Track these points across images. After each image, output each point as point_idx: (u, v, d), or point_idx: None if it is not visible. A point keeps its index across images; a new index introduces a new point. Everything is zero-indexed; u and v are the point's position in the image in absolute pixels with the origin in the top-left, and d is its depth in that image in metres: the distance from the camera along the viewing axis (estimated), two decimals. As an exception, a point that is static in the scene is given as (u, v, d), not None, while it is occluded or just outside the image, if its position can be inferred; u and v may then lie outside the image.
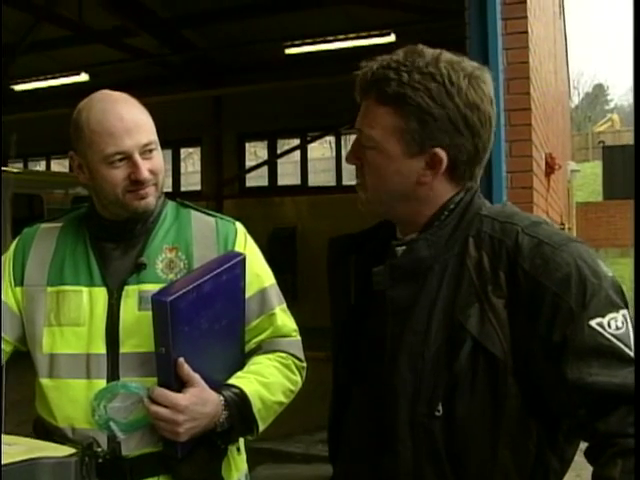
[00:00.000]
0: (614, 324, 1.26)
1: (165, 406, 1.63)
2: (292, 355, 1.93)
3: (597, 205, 23.98)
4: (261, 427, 1.80)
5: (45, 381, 1.81)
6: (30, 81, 12.80)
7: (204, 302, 1.68)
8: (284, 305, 1.97)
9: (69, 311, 1.80)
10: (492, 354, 1.31)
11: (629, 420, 1.22)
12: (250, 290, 1.87)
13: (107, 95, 1.81)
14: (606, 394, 1.23)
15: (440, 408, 1.34)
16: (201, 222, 1.91)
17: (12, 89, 13.06)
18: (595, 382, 1.24)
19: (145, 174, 1.75)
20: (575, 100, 47.11)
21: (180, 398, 1.63)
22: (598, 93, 56.89)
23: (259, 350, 1.91)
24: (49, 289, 1.83)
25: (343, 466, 1.57)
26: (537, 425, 1.35)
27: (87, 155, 1.76)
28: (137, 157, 1.74)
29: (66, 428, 1.77)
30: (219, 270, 1.73)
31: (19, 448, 1.45)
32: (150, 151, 1.77)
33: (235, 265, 1.78)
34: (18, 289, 1.87)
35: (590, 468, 1.28)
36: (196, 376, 1.67)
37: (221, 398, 1.71)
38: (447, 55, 1.40)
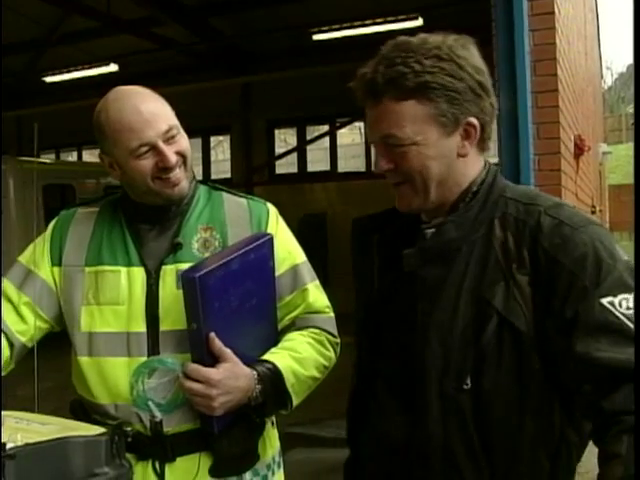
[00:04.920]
0: (625, 304, 1.29)
1: (199, 381, 1.67)
2: (325, 331, 1.96)
3: (631, 187, 23.57)
4: (295, 401, 1.83)
5: (84, 359, 1.86)
6: (60, 73, 12.94)
7: (233, 279, 1.72)
8: (316, 281, 2.00)
9: (108, 290, 1.85)
10: (517, 329, 1.36)
11: (633, 398, 1.23)
12: (282, 267, 1.91)
13: (120, 92, 1.84)
14: (611, 370, 1.26)
15: (468, 381, 1.39)
16: (233, 203, 1.95)
17: (43, 81, 13.21)
18: (601, 357, 1.27)
19: (172, 159, 1.78)
20: (608, 81, 46.43)
21: (213, 373, 1.68)
22: (633, 73, 55.87)
23: (293, 326, 1.94)
24: (87, 269, 1.88)
25: (372, 442, 1.59)
26: (558, 399, 1.39)
27: (115, 153, 1.81)
28: (161, 144, 1.78)
29: (108, 405, 1.82)
30: (247, 249, 1.76)
31: (52, 427, 1.49)
32: (173, 136, 1.80)
33: (263, 244, 1.81)
34: (56, 269, 1.92)
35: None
36: (228, 351, 1.70)
37: (254, 372, 1.74)
38: (431, 36, 1.45)
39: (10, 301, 1.90)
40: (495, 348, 1.38)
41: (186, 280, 1.67)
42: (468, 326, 1.40)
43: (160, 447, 1.79)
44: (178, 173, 1.82)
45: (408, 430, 1.47)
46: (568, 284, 1.33)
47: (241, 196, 1.99)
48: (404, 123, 1.42)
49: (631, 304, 1.29)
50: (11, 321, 1.88)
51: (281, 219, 2.00)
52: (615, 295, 1.30)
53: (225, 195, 1.98)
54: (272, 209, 1.99)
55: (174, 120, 1.83)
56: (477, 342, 1.39)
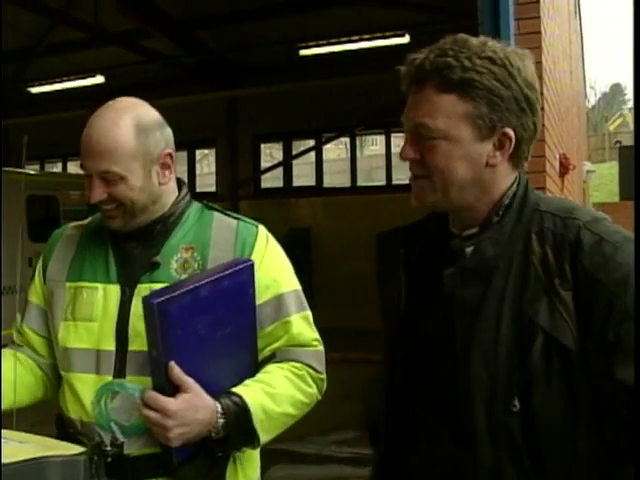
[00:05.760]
0: None
1: (156, 410, 1.60)
2: (308, 365, 1.85)
3: (614, 206, 23.68)
4: (263, 438, 1.74)
5: (62, 373, 1.85)
6: (47, 83, 12.90)
7: (201, 307, 1.64)
8: (305, 313, 1.91)
9: (84, 307, 1.82)
10: (565, 346, 1.33)
11: None
12: (265, 295, 1.83)
13: (106, 108, 1.80)
14: None
15: (517, 403, 1.35)
16: (222, 224, 1.88)
17: (29, 91, 13.16)
18: None
19: (94, 197, 1.76)
20: (592, 100, 46.89)
21: (170, 403, 1.60)
22: (616, 92, 56.53)
23: (273, 358, 1.85)
24: (68, 284, 1.86)
25: (418, 466, 1.54)
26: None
27: None
28: (94, 179, 1.75)
29: (76, 421, 1.79)
30: (219, 275, 1.69)
31: (31, 446, 1.46)
32: (112, 180, 1.75)
33: (240, 271, 1.73)
34: (45, 287, 1.93)
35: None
36: (189, 381, 1.62)
37: (217, 405, 1.66)
38: (491, 40, 1.43)
39: (19, 332, 1.97)
40: (543, 368, 1.34)
41: (145, 305, 1.61)
42: (512, 346, 1.36)
43: (120, 468, 1.71)
44: (111, 210, 1.79)
45: (457, 453, 1.42)
46: (608, 305, 1.30)
47: (233, 217, 1.91)
48: (439, 115, 1.38)
49: None
50: (31, 348, 1.96)
51: (272, 243, 1.91)
52: None
53: (216, 215, 1.90)
54: (262, 233, 1.89)
55: (122, 166, 1.75)
56: (523, 363, 1.35)
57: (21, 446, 1.46)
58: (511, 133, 1.39)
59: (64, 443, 1.58)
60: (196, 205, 1.93)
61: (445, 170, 1.41)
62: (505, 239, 1.41)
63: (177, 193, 1.90)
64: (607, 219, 1.43)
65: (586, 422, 1.35)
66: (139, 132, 1.77)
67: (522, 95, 1.39)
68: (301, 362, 1.85)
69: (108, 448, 1.62)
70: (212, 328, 1.68)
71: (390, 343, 1.61)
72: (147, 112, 1.83)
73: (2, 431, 1.57)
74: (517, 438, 1.35)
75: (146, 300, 1.61)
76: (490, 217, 1.44)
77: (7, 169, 9.60)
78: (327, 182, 15.16)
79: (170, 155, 1.84)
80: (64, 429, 1.83)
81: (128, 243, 1.85)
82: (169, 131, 1.86)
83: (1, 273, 7.87)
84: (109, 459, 1.60)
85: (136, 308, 1.76)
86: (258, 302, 1.80)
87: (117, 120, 1.75)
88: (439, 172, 1.41)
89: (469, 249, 1.44)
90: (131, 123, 1.76)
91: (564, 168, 5.75)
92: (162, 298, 1.58)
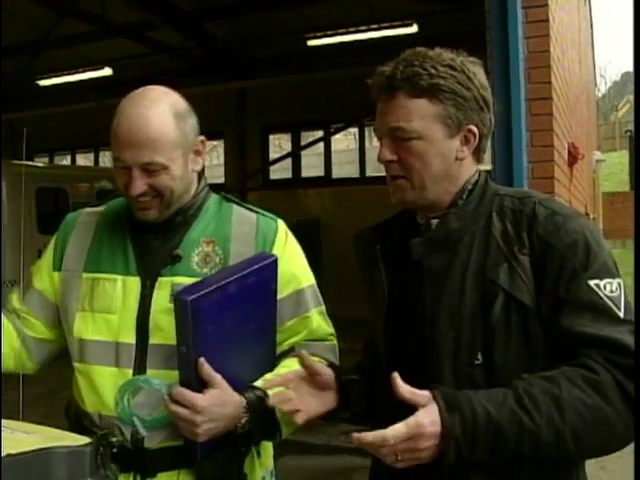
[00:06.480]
0: (609, 287, 1.46)
1: (184, 406, 1.60)
2: (326, 360, 1.86)
3: (624, 195, 23.66)
4: (284, 432, 1.75)
5: (76, 365, 1.85)
6: (54, 76, 12.88)
7: (229, 303, 1.65)
8: (322, 307, 1.94)
9: (102, 298, 1.81)
10: (523, 303, 1.48)
11: (597, 354, 1.38)
12: (285, 290, 1.84)
13: (138, 97, 1.76)
14: (588, 341, 1.41)
15: (479, 356, 1.50)
16: (242, 218, 1.88)
17: (37, 84, 13.17)
18: (582, 332, 1.41)
19: (135, 190, 1.72)
20: (602, 89, 46.65)
21: (199, 399, 1.60)
22: (627, 81, 56.09)
23: (292, 352, 1.86)
24: (85, 275, 1.85)
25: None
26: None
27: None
28: (134, 171, 1.72)
29: (93, 414, 1.79)
30: (246, 271, 1.69)
31: (37, 437, 1.46)
32: (153, 170, 1.72)
33: (265, 267, 1.74)
34: (56, 274, 1.91)
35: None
36: (217, 377, 1.63)
37: (243, 400, 1.67)
38: (447, 51, 1.60)
39: (15, 309, 1.95)
40: (504, 323, 1.49)
41: (178, 302, 1.60)
42: (476, 306, 1.51)
43: (141, 461, 1.73)
44: (148, 201, 1.76)
45: None
46: (559, 266, 1.47)
47: (252, 210, 1.91)
48: (413, 117, 1.55)
49: (614, 288, 1.46)
50: (20, 322, 1.93)
51: (291, 237, 1.93)
52: (601, 278, 1.46)
53: (235, 208, 1.90)
54: (281, 227, 1.91)
55: (163, 156, 1.73)
56: (486, 320, 1.50)
57: (27, 437, 1.46)
58: (475, 129, 1.58)
59: (71, 434, 1.57)
60: (214, 197, 1.93)
61: (422, 168, 1.57)
62: (468, 216, 1.59)
63: (196, 184, 1.89)
64: (556, 200, 1.62)
65: (540, 371, 1.45)
66: (178, 120, 1.76)
67: (480, 95, 1.58)
68: (319, 356, 1.86)
69: (114, 439, 1.63)
70: (238, 324, 1.69)
71: (378, 335, 1.70)
72: (179, 99, 1.82)
73: (10, 422, 1.57)
74: (480, 389, 1.46)
75: (179, 296, 1.60)
76: (455, 201, 1.61)
77: (15, 162, 9.64)
78: (336, 173, 15.12)
79: (203, 142, 1.86)
80: (77, 422, 1.83)
81: (147, 234, 1.84)
82: (196, 118, 1.85)
83: (1, 264, 7.88)
84: (115, 450, 1.60)
85: (157, 301, 1.77)
86: (279, 297, 1.81)
87: (155, 109, 1.73)
88: (416, 170, 1.57)
89: (434, 221, 1.61)
90: (169, 111, 1.75)
91: (573, 157, 5.72)
92: (195, 295, 1.58)
